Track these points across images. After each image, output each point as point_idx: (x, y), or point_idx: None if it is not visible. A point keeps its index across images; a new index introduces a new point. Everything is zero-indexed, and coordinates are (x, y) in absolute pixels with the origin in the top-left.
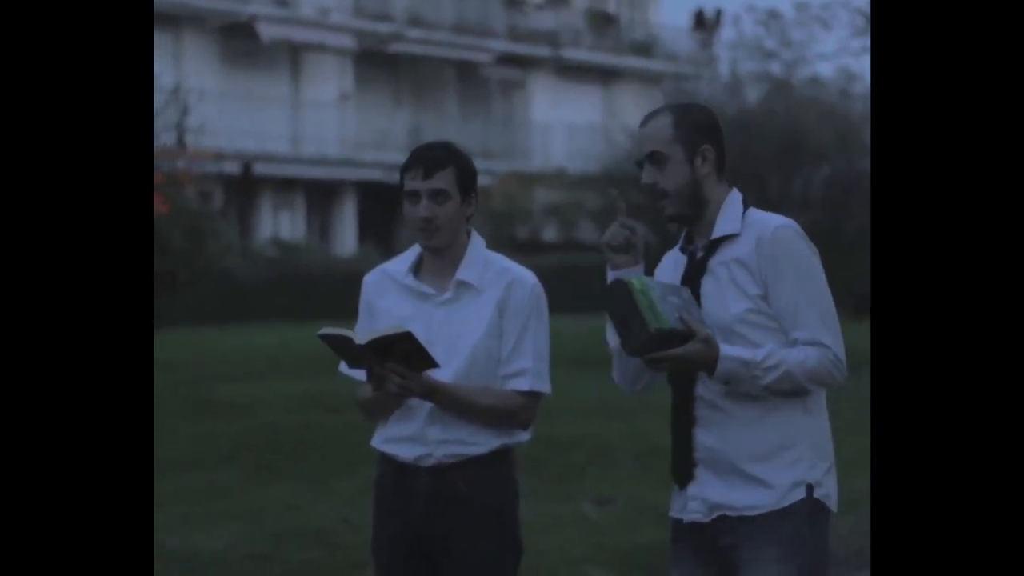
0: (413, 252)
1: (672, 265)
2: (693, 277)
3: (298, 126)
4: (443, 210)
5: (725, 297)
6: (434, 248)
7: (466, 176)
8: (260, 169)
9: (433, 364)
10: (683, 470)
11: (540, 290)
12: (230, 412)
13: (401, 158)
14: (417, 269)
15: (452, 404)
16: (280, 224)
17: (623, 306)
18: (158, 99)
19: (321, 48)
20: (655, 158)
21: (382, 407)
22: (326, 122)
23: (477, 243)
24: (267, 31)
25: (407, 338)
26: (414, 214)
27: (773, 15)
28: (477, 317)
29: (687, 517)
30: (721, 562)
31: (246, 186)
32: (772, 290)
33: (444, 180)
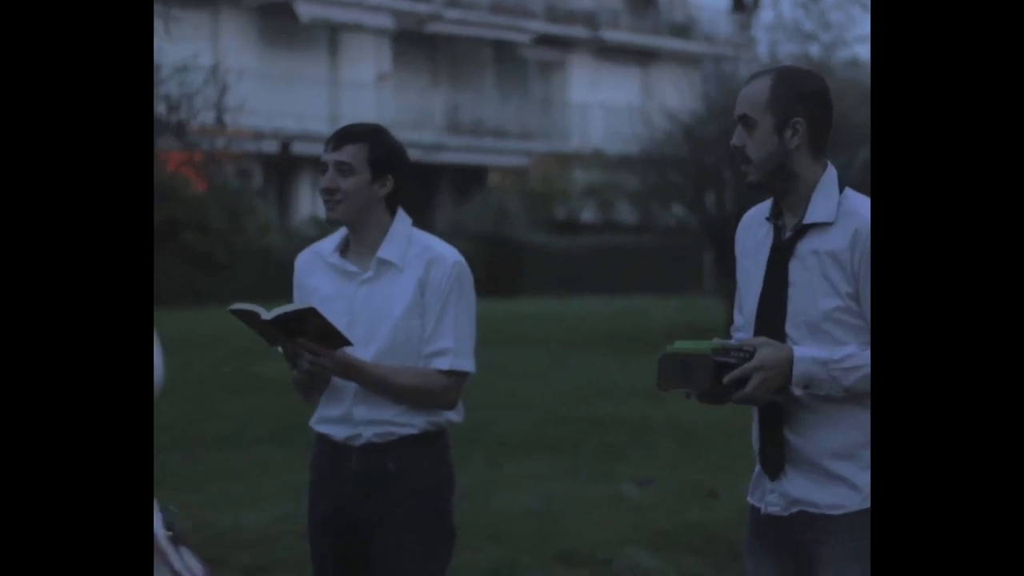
0: (342, 231)
1: (756, 225)
2: (780, 259)
3: (336, 106)
4: (345, 183)
5: (815, 290)
6: (336, 221)
7: (382, 155)
8: (298, 148)
9: (345, 341)
10: (775, 463)
11: (462, 268)
12: (273, 389)
13: (439, 138)
14: (345, 248)
15: (371, 382)
16: (318, 203)
17: (678, 367)
18: (197, 78)
19: (359, 28)
20: (746, 122)
21: (308, 387)
22: (364, 102)
23: (402, 222)
24: (305, 11)
25: (312, 314)
26: (320, 185)
27: None
28: (398, 296)
29: (765, 509)
30: (799, 555)
31: (285, 165)
32: (865, 289)
33: (350, 154)
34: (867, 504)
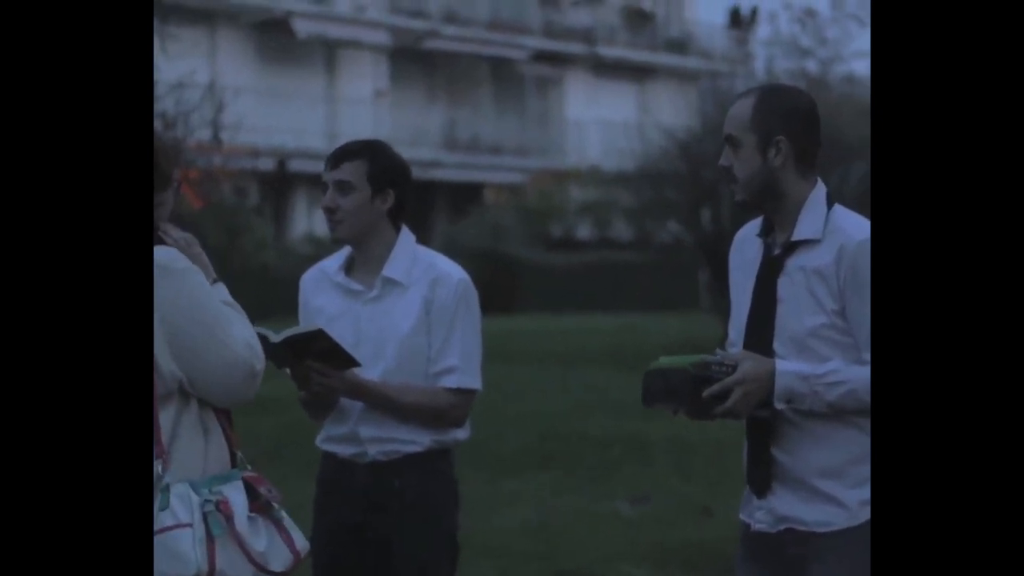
0: (347, 249)
1: (748, 242)
2: (769, 275)
3: (333, 123)
4: (345, 201)
5: (801, 307)
6: (339, 240)
7: (381, 170)
8: (295, 166)
9: (354, 362)
10: (761, 481)
11: (467, 286)
12: (266, 409)
13: (435, 155)
14: (350, 266)
15: (380, 402)
16: (315, 220)
17: (660, 383)
18: (194, 95)
19: (356, 45)
20: (731, 142)
21: (316, 407)
22: (361, 119)
23: (406, 239)
24: (303, 28)
25: (321, 336)
26: (321, 205)
27: (809, 13)
28: (403, 314)
29: (754, 526)
30: (788, 571)
31: (281, 182)
32: (849, 305)
33: (349, 172)
34: (855, 522)
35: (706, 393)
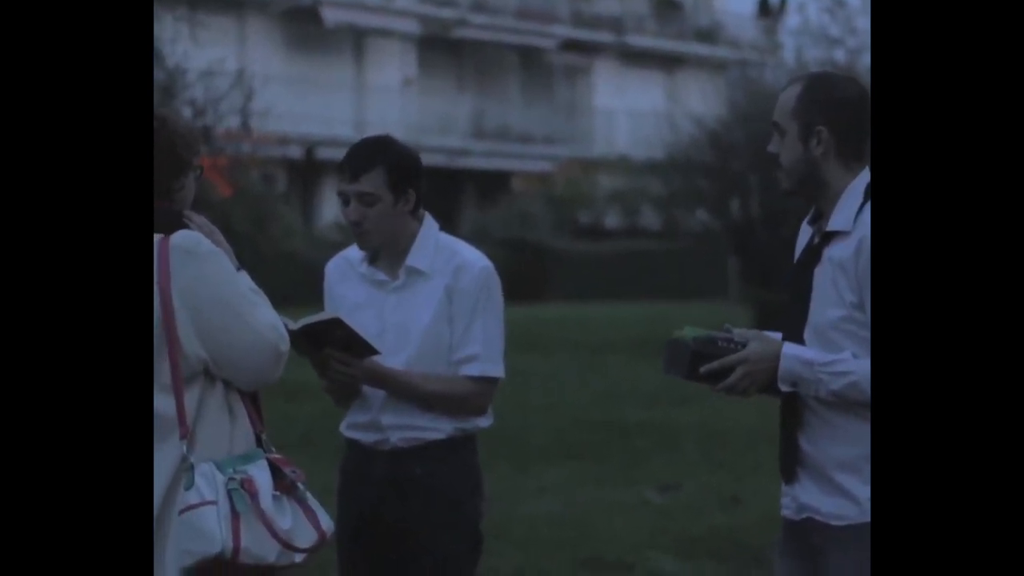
0: None
1: (804, 231)
2: (807, 263)
3: (361, 111)
4: (372, 212)
5: (826, 299)
6: (369, 250)
7: (398, 174)
8: (323, 153)
9: (373, 350)
10: (789, 468)
11: (489, 273)
12: (301, 394)
13: (464, 143)
14: (374, 255)
15: (401, 390)
16: None
17: (669, 352)
18: (223, 83)
19: (385, 33)
20: (777, 129)
21: (340, 394)
22: (389, 107)
23: (430, 228)
24: (331, 16)
25: (338, 324)
26: (345, 216)
27: (838, 2)
28: (427, 303)
29: (782, 512)
30: (813, 558)
31: (309, 170)
32: (867, 298)
33: (370, 183)
34: (865, 517)
35: (703, 369)
